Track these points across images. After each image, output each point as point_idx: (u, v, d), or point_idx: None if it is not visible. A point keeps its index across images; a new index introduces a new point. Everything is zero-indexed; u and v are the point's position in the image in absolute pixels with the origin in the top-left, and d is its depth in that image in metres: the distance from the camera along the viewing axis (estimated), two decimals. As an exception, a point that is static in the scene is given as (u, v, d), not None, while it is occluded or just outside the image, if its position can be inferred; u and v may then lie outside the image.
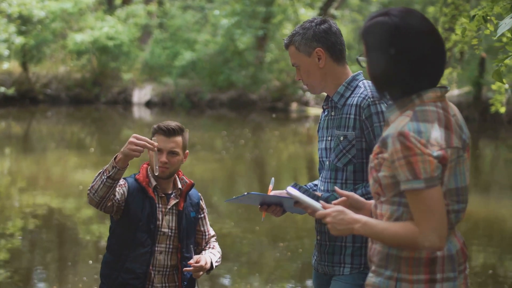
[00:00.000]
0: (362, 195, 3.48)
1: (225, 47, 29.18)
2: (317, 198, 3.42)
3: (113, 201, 4.07)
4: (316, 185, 3.91)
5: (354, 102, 3.63)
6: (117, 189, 4.11)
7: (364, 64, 2.85)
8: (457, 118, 2.75)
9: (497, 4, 4.37)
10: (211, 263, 4.20)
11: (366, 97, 3.60)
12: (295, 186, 3.49)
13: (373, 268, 2.80)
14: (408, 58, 2.69)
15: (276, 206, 3.73)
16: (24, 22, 26.99)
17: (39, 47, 27.83)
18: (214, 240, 4.48)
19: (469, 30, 5.06)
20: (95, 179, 3.97)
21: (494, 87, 7.58)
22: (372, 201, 2.98)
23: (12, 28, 25.65)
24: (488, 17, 4.43)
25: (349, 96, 3.69)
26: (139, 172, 4.28)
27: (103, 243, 8.75)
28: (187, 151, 4.33)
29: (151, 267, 4.16)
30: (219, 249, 4.43)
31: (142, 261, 4.13)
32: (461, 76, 23.24)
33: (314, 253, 3.88)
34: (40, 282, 7.57)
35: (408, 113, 2.67)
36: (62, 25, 28.75)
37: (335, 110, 3.74)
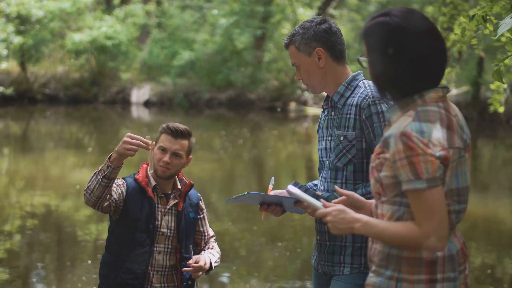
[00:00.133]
0: (362, 195, 3.48)
1: (224, 46, 29.19)
2: (317, 197, 3.42)
3: (110, 201, 4.06)
4: (315, 184, 3.91)
5: (354, 102, 3.63)
6: (114, 189, 4.11)
7: (365, 65, 2.85)
8: (458, 118, 2.75)
9: (497, 4, 4.37)
10: (210, 263, 4.19)
11: (366, 97, 3.60)
12: (295, 184, 3.48)
13: (373, 268, 2.80)
14: (410, 58, 2.68)
15: (276, 206, 3.73)
16: (22, 21, 26.97)
17: (37, 46, 27.82)
18: (214, 240, 4.47)
19: (468, 30, 5.06)
20: (91, 179, 3.97)
21: (492, 86, 7.57)
22: (372, 201, 2.98)
23: (11, 27, 25.63)
24: (488, 17, 4.43)
25: (349, 96, 3.68)
26: (138, 172, 4.27)
27: (102, 242, 8.74)
28: (191, 156, 4.32)
29: (150, 267, 4.15)
30: (218, 250, 4.43)
31: (141, 261, 4.13)
32: (459, 76, 23.25)
33: (314, 253, 3.87)
34: (39, 282, 7.56)
35: (410, 113, 2.67)
36: (61, 25, 28.74)
37: (335, 110, 3.73)
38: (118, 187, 4.15)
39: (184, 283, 4.25)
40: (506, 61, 4.08)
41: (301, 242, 9.43)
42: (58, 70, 28.75)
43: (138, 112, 27.00)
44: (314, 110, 27.67)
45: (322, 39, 3.69)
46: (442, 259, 2.70)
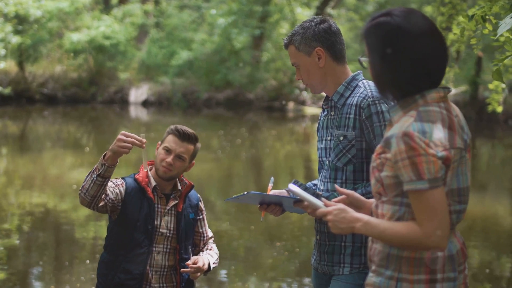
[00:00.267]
0: (362, 195, 3.48)
1: (222, 46, 29.19)
2: (317, 196, 3.41)
3: (106, 200, 4.05)
4: (315, 184, 3.91)
5: (354, 102, 3.63)
6: (111, 189, 4.10)
7: (366, 65, 2.84)
8: (459, 118, 2.75)
9: (496, 3, 4.37)
10: (209, 264, 4.19)
11: (366, 97, 3.60)
12: (296, 183, 3.48)
13: (373, 268, 2.80)
14: (411, 58, 2.68)
15: (276, 205, 3.72)
16: (20, 21, 26.96)
17: (35, 46, 27.80)
18: (212, 241, 4.47)
19: (467, 30, 5.06)
20: (86, 178, 3.96)
21: (491, 86, 7.57)
22: (372, 200, 2.98)
23: (9, 27, 25.62)
24: (487, 17, 4.43)
25: (349, 96, 3.68)
26: (139, 171, 4.27)
27: (100, 242, 8.74)
28: (194, 161, 4.32)
29: (148, 267, 4.15)
30: (217, 251, 4.42)
31: (139, 262, 4.12)
32: (457, 76, 23.26)
33: (313, 252, 3.87)
34: (37, 282, 7.56)
35: (412, 114, 2.67)
36: (59, 25, 28.73)
37: (334, 110, 3.73)
38: (116, 186, 4.14)
39: (183, 283, 4.25)
40: (506, 61, 4.08)
41: (300, 242, 9.43)
42: (56, 70, 28.74)
43: (136, 111, 26.99)
44: (312, 110, 27.67)
45: (321, 39, 3.69)
46: (442, 259, 2.70)
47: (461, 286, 2.76)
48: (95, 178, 3.91)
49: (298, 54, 3.73)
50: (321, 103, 3.85)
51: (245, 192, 3.57)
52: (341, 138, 3.64)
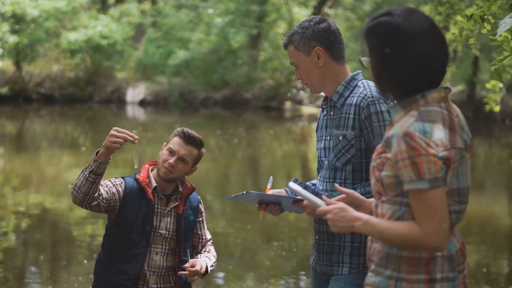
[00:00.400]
0: (361, 195, 3.48)
1: (219, 46, 29.19)
2: (317, 195, 3.41)
3: (99, 200, 4.02)
4: (314, 184, 3.90)
5: (353, 102, 3.63)
6: (106, 188, 4.08)
7: (366, 65, 2.84)
8: (459, 118, 2.75)
9: (495, 3, 4.37)
10: (206, 267, 4.19)
11: (366, 97, 3.59)
12: (296, 181, 3.47)
13: (372, 267, 2.80)
14: (411, 58, 2.68)
15: (274, 205, 3.72)
16: (17, 21, 26.94)
17: (32, 46, 27.78)
18: (210, 243, 4.46)
19: (465, 29, 5.06)
20: (79, 176, 3.95)
21: (488, 86, 7.55)
22: (372, 200, 2.98)
23: (6, 27, 25.60)
24: (485, 16, 4.43)
25: (348, 96, 3.68)
26: (140, 171, 4.26)
27: (97, 242, 8.73)
28: (197, 166, 4.31)
29: (146, 268, 4.14)
30: (215, 253, 4.41)
31: (135, 263, 4.11)
32: (454, 75, 23.28)
33: (312, 252, 3.87)
34: (35, 282, 7.54)
35: (413, 113, 2.66)
36: (56, 24, 28.72)
37: (334, 110, 3.73)
38: (114, 186, 4.13)
39: (181, 286, 4.24)
40: (505, 61, 4.08)
41: (297, 242, 9.43)
42: (53, 70, 28.73)
43: (133, 111, 26.98)
44: (309, 109, 27.68)
45: (321, 38, 3.69)
46: (442, 259, 2.70)
47: (460, 286, 2.76)
48: (87, 175, 3.90)
49: (297, 54, 3.73)
50: (318, 102, 3.86)
51: (244, 192, 3.57)
52: (341, 138, 3.63)
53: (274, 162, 17.08)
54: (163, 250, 4.19)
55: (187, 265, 4.08)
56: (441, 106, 2.70)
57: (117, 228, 4.15)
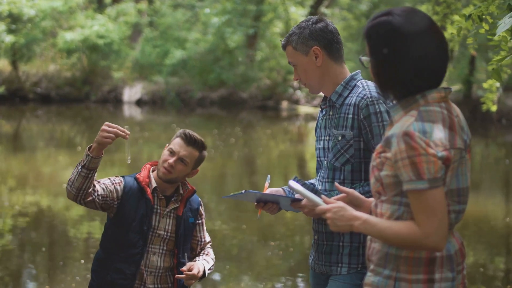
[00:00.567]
0: (360, 194, 3.48)
1: (216, 45, 29.19)
2: (316, 193, 3.41)
3: (94, 196, 4.02)
4: (312, 183, 3.90)
5: (353, 102, 3.63)
6: (103, 186, 4.09)
7: (366, 64, 2.84)
8: (459, 119, 2.75)
9: (493, 3, 4.37)
10: (204, 270, 4.18)
11: (365, 97, 3.59)
12: (296, 179, 3.47)
13: (371, 267, 2.80)
14: (412, 58, 2.68)
15: (273, 203, 3.73)
16: (14, 20, 26.90)
17: (29, 45, 27.74)
18: (209, 246, 4.45)
19: (463, 29, 5.06)
20: (73, 171, 3.97)
21: (485, 85, 7.55)
22: (371, 199, 2.98)
23: (2, 26, 25.57)
24: (484, 16, 4.44)
25: (347, 96, 3.68)
26: (141, 171, 4.26)
27: (94, 242, 8.72)
28: (198, 169, 4.30)
29: (143, 267, 4.14)
30: (213, 256, 4.41)
31: (131, 262, 4.11)
32: (451, 74, 23.31)
33: (311, 252, 3.87)
34: (32, 282, 7.54)
35: (413, 113, 2.66)
36: (52, 24, 28.68)
37: (333, 110, 3.73)
38: (113, 184, 4.13)
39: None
40: (505, 61, 4.08)
41: (294, 241, 9.43)
42: (49, 69, 28.69)
43: (130, 111, 26.96)
44: (306, 109, 27.69)
45: (318, 38, 3.69)
46: (441, 259, 2.70)
47: (459, 286, 2.76)
48: (80, 170, 3.92)
49: (295, 54, 3.73)
50: (314, 102, 3.86)
51: (244, 191, 3.58)
52: (339, 138, 3.64)
53: (271, 161, 17.08)
54: (160, 251, 4.18)
55: (184, 268, 4.08)
56: (441, 106, 2.70)
57: (115, 227, 4.15)
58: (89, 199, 4.02)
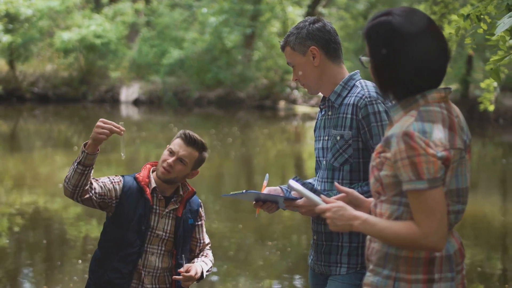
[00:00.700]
0: (359, 194, 3.48)
1: (213, 45, 29.19)
2: (317, 192, 3.41)
3: (91, 194, 4.02)
4: (311, 183, 3.90)
5: (351, 102, 3.63)
6: (101, 184, 4.09)
7: (366, 64, 2.84)
8: (459, 119, 2.75)
9: (491, 3, 4.37)
10: (202, 272, 4.18)
11: (363, 97, 3.60)
12: (296, 179, 3.47)
13: (371, 267, 2.80)
14: (412, 58, 2.68)
15: (271, 203, 3.73)
16: (11, 20, 26.88)
17: (26, 45, 27.73)
18: (208, 248, 4.44)
19: (461, 29, 5.06)
20: (69, 169, 3.97)
21: (483, 85, 7.54)
22: (371, 199, 2.98)
23: (-1, 26, 25.54)
24: (482, 16, 4.44)
25: (346, 96, 3.68)
26: (140, 171, 4.26)
27: (92, 242, 8.72)
28: (198, 170, 4.30)
29: (141, 267, 4.13)
30: (212, 258, 4.40)
31: (128, 262, 4.10)
32: (448, 74, 23.26)
33: (310, 252, 3.87)
34: (29, 282, 7.53)
35: (412, 113, 2.66)
36: (49, 23, 28.66)
37: (332, 110, 3.73)
38: (112, 183, 4.13)
39: (176, 290, 4.24)
40: (503, 61, 4.07)
41: (291, 241, 9.43)
42: (47, 69, 28.68)
43: (127, 110, 26.94)
44: (303, 109, 27.69)
45: (316, 38, 3.70)
46: (440, 259, 2.70)
47: (458, 286, 2.76)
48: (76, 167, 3.92)
49: (293, 54, 3.74)
50: (312, 101, 3.86)
51: (244, 191, 3.59)
52: (338, 137, 3.64)
53: (268, 161, 17.07)
54: (159, 251, 4.18)
55: (182, 269, 4.07)
56: (441, 106, 2.70)
57: (114, 226, 4.15)
58: (86, 196, 4.02)
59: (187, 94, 28.47)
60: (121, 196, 4.13)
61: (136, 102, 28.28)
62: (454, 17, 4.82)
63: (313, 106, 27.49)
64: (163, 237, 4.18)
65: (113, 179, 4.17)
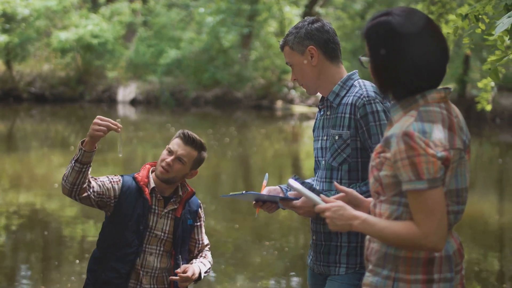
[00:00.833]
0: (358, 194, 3.48)
1: (210, 45, 29.18)
2: (316, 191, 3.41)
3: (89, 192, 4.02)
4: (309, 183, 3.90)
5: (349, 101, 3.63)
6: (100, 182, 4.09)
7: (366, 65, 2.84)
8: (459, 119, 2.75)
9: (489, 3, 4.38)
10: (200, 273, 4.17)
11: (362, 96, 3.60)
12: (296, 178, 3.47)
13: (370, 267, 2.80)
14: (411, 58, 2.68)
15: (271, 203, 3.74)
16: (8, 20, 26.85)
17: (23, 45, 27.69)
18: (207, 249, 4.43)
19: (459, 29, 5.07)
20: (67, 167, 3.97)
21: (480, 85, 7.54)
22: (370, 199, 2.98)
23: (-4, 26, 25.51)
24: (480, 16, 4.44)
25: (345, 95, 3.69)
26: (140, 170, 4.26)
27: (89, 242, 8.71)
28: (197, 170, 4.29)
29: (140, 267, 4.13)
30: (211, 259, 4.39)
31: (126, 261, 4.10)
32: (445, 74, 23.26)
33: (309, 252, 3.87)
34: (27, 282, 7.52)
35: (412, 113, 2.66)
36: (46, 23, 28.63)
37: (330, 110, 3.73)
38: (111, 182, 4.13)
39: (174, 291, 4.24)
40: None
41: (289, 241, 9.43)
42: (43, 69, 28.64)
43: (124, 110, 26.93)
44: (300, 108, 27.69)
45: (314, 37, 3.70)
46: (439, 259, 2.70)
47: (457, 287, 2.76)
48: (73, 164, 3.91)
49: (292, 54, 3.74)
50: (309, 101, 3.86)
51: (244, 192, 3.60)
52: (336, 137, 3.64)
53: (265, 161, 17.08)
54: (157, 251, 4.17)
55: (179, 270, 4.07)
56: (441, 107, 2.70)
57: (112, 225, 4.14)
58: (84, 195, 4.01)
59: (184, 94, 28.46)
60: (120, 196, 4.12)
61: (133, 102, 28.27)
62: (452, 16, 4.83)
63: (310, 106, 27.50)
64: (162, 237, 4.17)
65: (112, 179, 4.16)
